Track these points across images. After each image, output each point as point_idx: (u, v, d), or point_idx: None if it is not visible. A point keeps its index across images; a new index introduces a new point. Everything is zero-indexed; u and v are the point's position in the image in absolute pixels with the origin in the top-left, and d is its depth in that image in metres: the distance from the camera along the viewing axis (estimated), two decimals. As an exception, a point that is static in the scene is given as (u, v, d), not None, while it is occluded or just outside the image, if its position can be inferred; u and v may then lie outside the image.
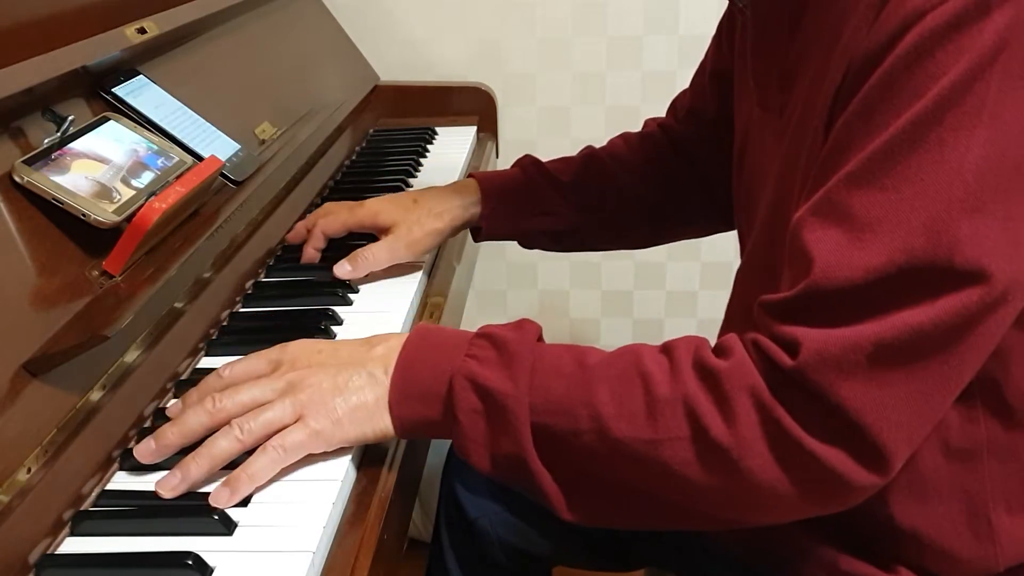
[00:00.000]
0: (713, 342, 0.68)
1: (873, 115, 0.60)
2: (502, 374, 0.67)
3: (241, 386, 0.71)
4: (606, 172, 1.07)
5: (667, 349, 0.67)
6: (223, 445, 0.67)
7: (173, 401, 0.75)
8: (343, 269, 0.98)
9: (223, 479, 0.66)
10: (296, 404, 0.69)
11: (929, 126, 0.58)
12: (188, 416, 0.69)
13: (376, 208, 1.03)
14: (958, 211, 0.57)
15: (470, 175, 1.08)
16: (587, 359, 0.68)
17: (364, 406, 0.69)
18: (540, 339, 0.72)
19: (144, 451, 0.69)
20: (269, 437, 0.68)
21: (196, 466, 0.67)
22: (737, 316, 0.85)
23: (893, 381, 0.59)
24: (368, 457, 0.73)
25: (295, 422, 0.68)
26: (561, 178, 1.06)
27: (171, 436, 0.69)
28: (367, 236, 1.04)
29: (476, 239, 1.09)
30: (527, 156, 1.09)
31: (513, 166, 1.09)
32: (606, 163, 1.08)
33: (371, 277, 1.00)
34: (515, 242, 1.10)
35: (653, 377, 0.65)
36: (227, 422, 0.68)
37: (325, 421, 0.68)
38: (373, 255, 0.98)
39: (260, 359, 0.74)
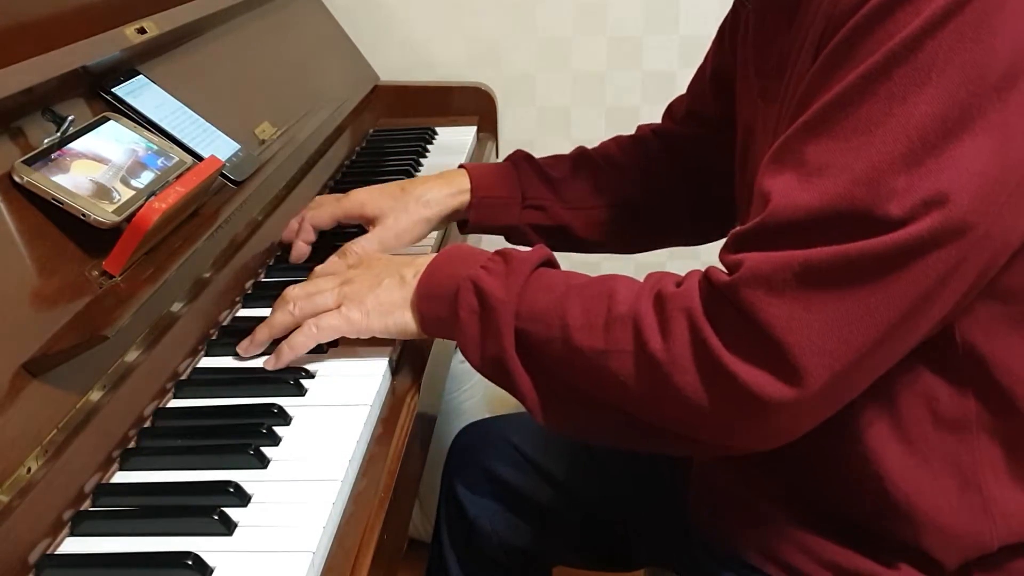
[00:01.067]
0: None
1: (832, 69, 0.63)
2: (500, 282, 0.74)
3: (314, 280, 0.86)
4: (598, 172, 1.07)
5: (645, 279, 0.72)
6: (279, 317, 0.82)
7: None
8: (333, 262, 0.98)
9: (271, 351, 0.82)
10: (339, 294, 0.82)
11: (879, 80, 0.60)
12: (274, 316, 0.83)
13: (363, 198, 1.03)
14: (899, 163, 0.60)
15: (460, 165, 1.07)
16: (573, 279, 0.75)
17: (391, 302, 0.81)
18: (551, 263, 0.79)
19: (243, 347, 0.84)
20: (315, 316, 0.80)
21: (260, 332, 0.83)
22: None
23: (818, 303, 0.62)
24: (368, 457, 0.73)
25: (336, 308, 0.81)
26: (552, 173, 1.06)
27: (262, 334, 0.83)
28: (356, 231, 1.03)
29: (462, 231, 1.08)
30: (519, 151, 1.09)
31: (505, 160, 1.08)
32: (598, 163, 1.08)
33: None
34: (506, 240, 1.08)
35: (617, 296, 0.70)
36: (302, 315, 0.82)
37: (357, 311, 0.81)
38: (362, 247, 0.98)
39: (328, 267, 0.91)
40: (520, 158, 1.07)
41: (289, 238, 1.06)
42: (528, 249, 0.79)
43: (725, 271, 0.66)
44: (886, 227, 0.60)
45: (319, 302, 0.82)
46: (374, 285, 0.81)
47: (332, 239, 1.04)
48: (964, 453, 0.71)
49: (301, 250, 1.03)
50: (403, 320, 0.81)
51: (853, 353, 0.63)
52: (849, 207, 0.61)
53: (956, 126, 0.59)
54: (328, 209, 1.03)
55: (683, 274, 0.72)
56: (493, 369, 0.75)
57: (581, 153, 1.09)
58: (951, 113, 0.59)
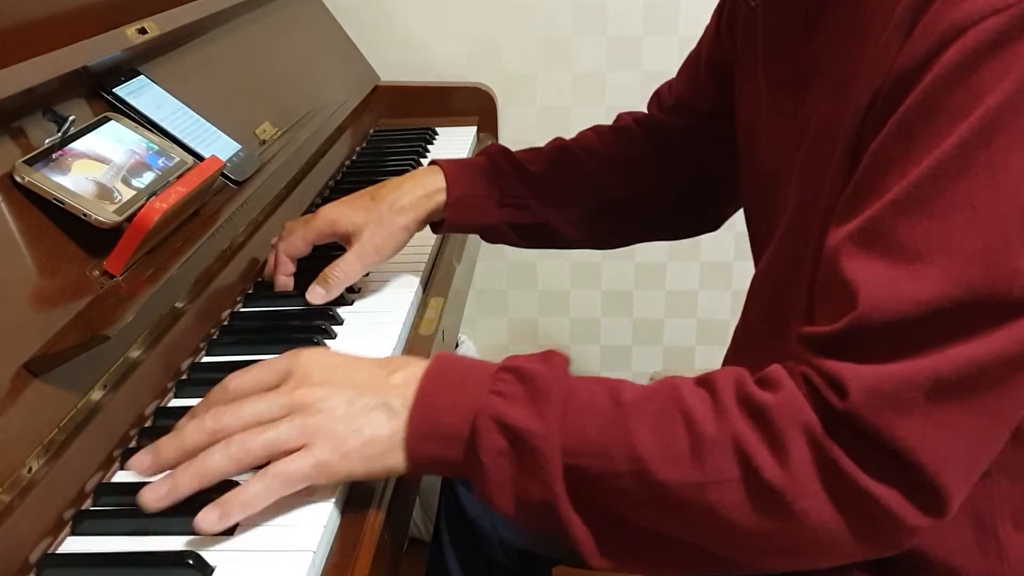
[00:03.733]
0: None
1: (914, 137, 0.57)
2: (531, 412, 0.61)
3: (246, 400, 0.65)
4: (579, 164, 1.01)
5: (706, 382, 0.62)
6: (216, 461, 0.62)
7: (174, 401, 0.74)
8: (316, 294, 0.92)
9: (214, 501, 0.62)
10: (304, 428, 0.63)
11: (977, 149, 0.54)
12: (187, 431, 0.65)
13: (332, 215, 0.94)
14: (1016, 240, 0.54)
15: (433, 161, 0.99)
16: (622, 395, 0.63)
17: (378, 440, 0.64)
18: (567, 371, 0.66)
19: (140, 465, 0.66)
20: (268, 459, 0.63)
21: (186, 480, 0.62)
22: (755, 325, 0.82)
23: (951, 418, 0.56)
24: (368, 457, 0.73)
25: (299, 448, 0.63)
26: (531, 168, 0.99)
27: (168, 451, 0.65)
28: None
29: (436, 231, 1.00)
30: (494, 144, 1.02)
31: (479, 154, 1.01)
32: (577, 155, 1.02)
33: (370, 277, 1.00)
34: (482, 239, 1.04)
35: (696, 414, 0.60)
36: (226, 438, 0.64)
37: (333, 453, 0.63)
38: (343, 272, 0.92)
39: (268, 370, 0.68)
40: (496, 152, 1.00)
41: (270, 273, 0.98)
42: (534, 355, 0.66)
43: (826, 382, 0.58)
44: (1012, 313, 0.54)
45: (273, 439, 0.62)
46: (351, 415, 0.64)
47: (313, 260, 0.97)
48: (982, 498, 0.68)
49: (283, 283, 0.96)
50: (393, 462, 0.64)
51: (987, 459, 0.59)
52: (967, 295, 0.54)
53: None
54: (299, 235, 0.95)
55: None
56: (535, 514, 0.63)
57: (560, 145, 1.03)
58: None
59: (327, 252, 0.96)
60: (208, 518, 0.61)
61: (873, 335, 0.57)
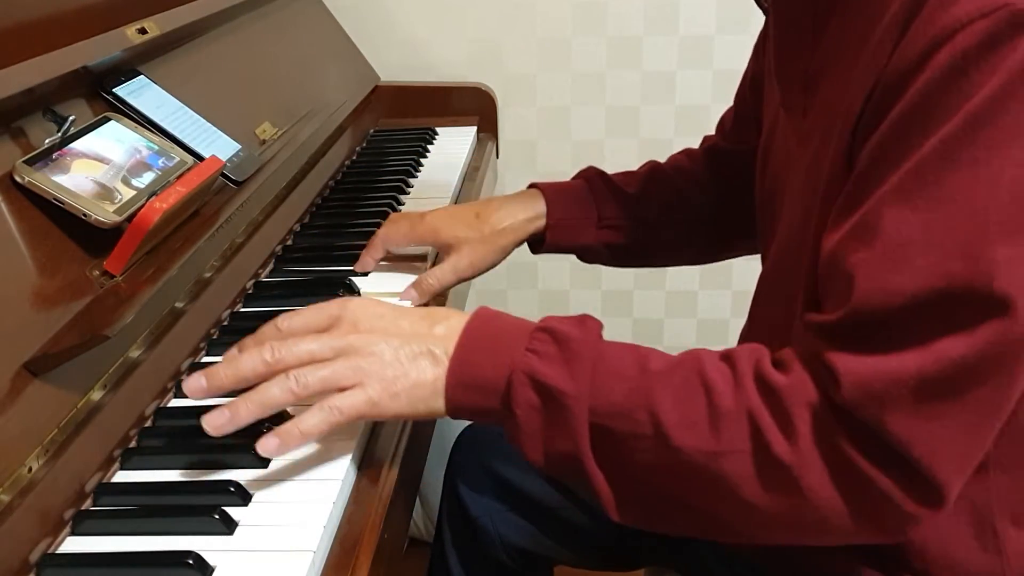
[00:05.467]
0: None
1: (907, 135, 0.59)
2: (563, 372, 0.66)
3: (301, 338, 0.69)
4: (672, 184, 1.05)
5: (729, 358, 0.66)
6: (276, 393, 0.66)
7: (230, 350, 0.72)
8: (410, 295, 0.95)
9: (272, 430, 0.67)
10: (357, 368, 0.68)
11: (963, 145, 0.56)
12: (244, 360, 0.68)
13: (437, 225, 0.99)
14: (995, 234, 0.56)
15: (532, 185, 1.04)
16: (649, 363, 0.66)
17: (422, 384, 0.68)
18: (601, 336, 0.70)
19: (194, 387, 0.68)
20: (324, 394, 0.67)
21: (246, 408, 0.66)
22: (760, 321, 0.84)
23: (941, 414, 0.58)
24: (369, 456, 0.73)
25: (352, 386, 0.67)
26: (627, 191, 1.04)
27: (223, 377, 0.68)
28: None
29: (535, 251, 1.05)
30: (591, 168, 1.07)
31: (576, 177, 1.06)
32: (671, 175, 1.06)
33: (372, 276, 1.01)
34: (577, 259, 1.07)
35: (716, 387, 0.63)
36: (282, 372, 0.67)
37: (384, 392, 0.68)
38: (438, 280, 0.96)
39: (320, 313, 0.72)
40: (593, 175, 1.05)
41: (364, 266, 1.02)
42: (569, 318, 0.70)
43: (827, 371, 0.60)
44: (993, 309, 0.56)
45: (329, 376, 0.67)
46: (399, 360, 0.69)
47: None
48: (980, 493, 0.69)
49: (366, 264, 1.01)
50: (436, 406, 0.69)
51: (981, 452, 0.61)
52: (949, 288, 0.56)
53: None
54: (402, 231, 1.00)
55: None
56: (561, 466, 0.67)
57: (654, 167, 1.08)
58: None
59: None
60: (269, 444, 0.67)
61: (865, 326, 0.59)
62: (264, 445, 0.66)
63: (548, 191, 1.02)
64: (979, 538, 0.70)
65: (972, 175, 0.56)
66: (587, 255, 1.05)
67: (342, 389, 0.67)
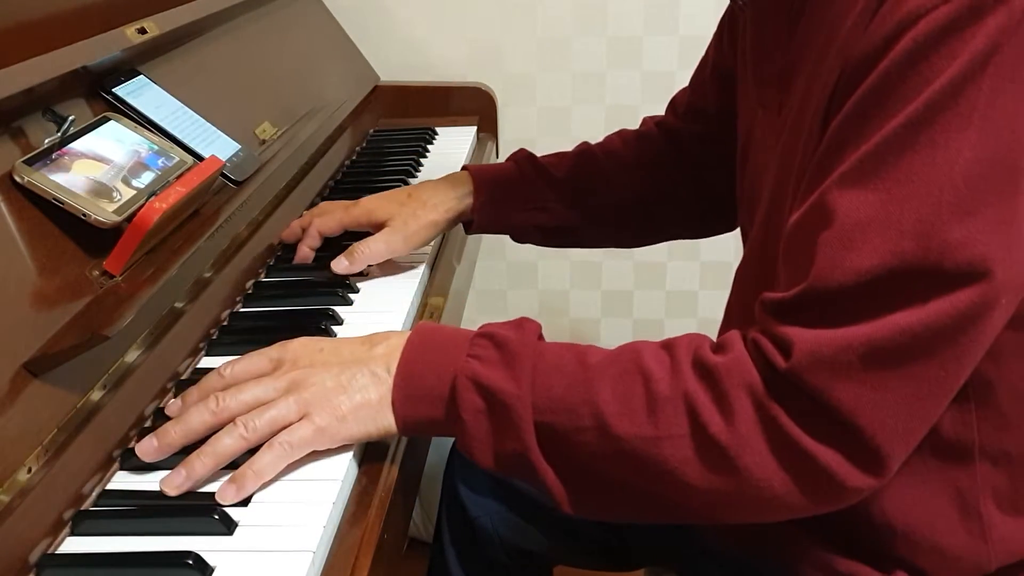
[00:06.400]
0: (714, 340, 0.68)
1: (867, 117, 0.60)
2: (504, 374, 0.67)
3: (244, 385, 0.71)
4: (600, 168, 1.07)
5: (668, 346, 0.67)
6: (228, 443, 0.68)
7: (172, 400, 0.75)
8: (340, 264, 0.98)
9: (228, 476, 0.67)
10: (300, 402, 0.69)
11: (920, 128, 0.58)
12: (191, 415, 0.70)
13: (371, 206, 1.04)
14: (948, 214, 0.57)
15: (464, 167, 1.08)
16: (588, 357, 0.68)
17: (368, 404, 0.70)
18: (540, 337, 0.72)
19: (146, 449, 0.69)
20: (274, 435, 0.68)
21: (201, 464, 0.67)
22: (736, 313, 0.85)
23: (886, 383, 0.59)
24: (369, 456, 0.73)
25: (299, 420, 0.69)
26: (555, 173, 1.06)
27: (174, 435, 0.69)
28: (360, 235, 1.03)
29: (468, 231, 1.10)
30: (522, 150, 1.09)
31: (508, 159, 1.09)
32: (601, 159, 1.08)
33: (371, 276, 1.01)
34: (511, 239, 1.10)
35: (653, 374, 0.65)
36: (230, 421, 0.69)
37: (330, 418, 0.69)
38: (370, 249, 0.99)
39: (261, 357, 0.74)
40: (522, 158, 1.08)
41: (289, 238, 1.06)
42: (508, 322, 0.72)
43: (774, 345, 0.62)
44: (944, 285, 0.58)
45: (275, 415, 0.68)
46: (341, 385, 0.70)
47: (331, 243, 1.05)
48: (964, 479, 0.70)
49: (305, 255, 1.04)
50: (385, 423, 0.70)
51: (926, 425, 0.62)
52: (901, 265, 0.58)
53: (1005, 171, 0.57)
54: (336, 216, 1.04)
55: (705, 334, 0.67)
56: (511, 466, 0.69)
57: (584, 150, 1.10)
58: (998, 157, 0.57)
59: (346, 241, 1.02)
60: (227, 492, 0.66)
61: (820, 302, 0.61)
62: (222, 494, 0.66)
63: (476, 173, 1.06)
64: (964, 524, 0.71)
65: (930, 157, 0.58)
66: (518, 235, 1.08)
67: (290, 425, 0.68)
